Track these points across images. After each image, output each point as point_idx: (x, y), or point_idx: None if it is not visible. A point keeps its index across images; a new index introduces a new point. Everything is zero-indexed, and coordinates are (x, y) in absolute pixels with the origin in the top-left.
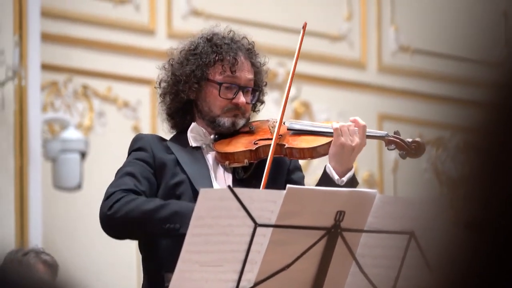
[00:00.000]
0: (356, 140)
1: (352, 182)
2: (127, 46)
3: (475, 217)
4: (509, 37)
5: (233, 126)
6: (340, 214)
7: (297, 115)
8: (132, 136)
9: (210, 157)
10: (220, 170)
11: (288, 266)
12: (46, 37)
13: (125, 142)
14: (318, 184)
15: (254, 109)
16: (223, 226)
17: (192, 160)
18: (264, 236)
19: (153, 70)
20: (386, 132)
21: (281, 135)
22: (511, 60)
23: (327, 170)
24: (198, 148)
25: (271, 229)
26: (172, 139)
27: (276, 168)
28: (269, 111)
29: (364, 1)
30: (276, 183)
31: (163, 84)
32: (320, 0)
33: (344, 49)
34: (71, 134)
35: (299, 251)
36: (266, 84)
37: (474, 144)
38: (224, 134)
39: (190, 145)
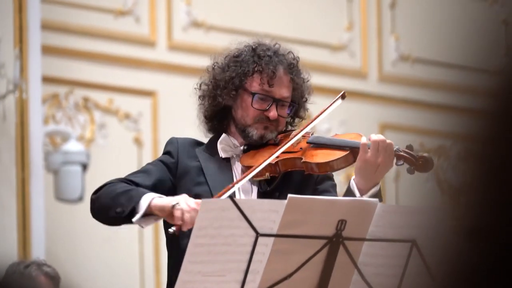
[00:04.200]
0: (381, 158)
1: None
2: (127, 58)
3: (477, 225)
4: (509, 45)
5: (261, 139)
6: (341, 223)
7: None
8: (133, 148)
9: (239, 167)
10: (248, 182)
11: (290, 275)
12: (47, 50)
13: (127, 154)
14: None
15: (291, 124)
16: (225, 236)
17: (218, 171)
18: (266, 245)
19: (154, 81)
20: (397, 147)
21: (301, 149)
22: (511, 68)
23: (350, 185)
24: (228, 159)
25: (273, 238)
26: (204, 147)
27: (304, 180)
28: None
29: (364, 11)
30: (304, 194)
31: (203, 87)
32: (321, 10)
33: (345, 58)
34: (73, 146)
35: (301, 261)
36: (306, 100)
37: (475, 152)
38: (253, 145)
39: (220, 155)
